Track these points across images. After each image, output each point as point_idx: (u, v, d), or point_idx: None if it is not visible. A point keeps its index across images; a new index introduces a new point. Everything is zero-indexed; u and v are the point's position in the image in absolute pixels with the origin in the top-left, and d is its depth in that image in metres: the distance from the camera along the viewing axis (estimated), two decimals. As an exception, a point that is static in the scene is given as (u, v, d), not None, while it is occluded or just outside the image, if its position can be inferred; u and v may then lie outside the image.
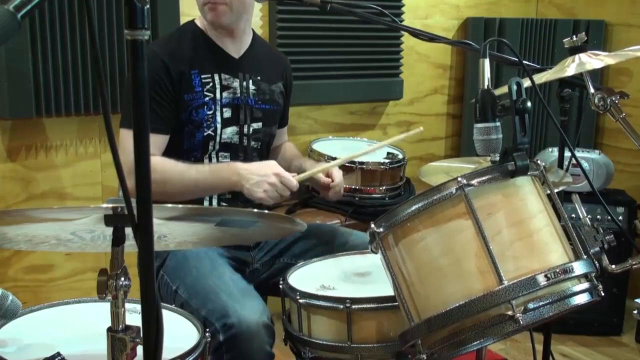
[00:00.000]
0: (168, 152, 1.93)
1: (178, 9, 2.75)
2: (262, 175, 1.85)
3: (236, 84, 2.03)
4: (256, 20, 3.07)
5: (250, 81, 2.06)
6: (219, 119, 1.99)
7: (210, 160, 2.01)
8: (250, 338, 1.64)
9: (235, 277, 1.83)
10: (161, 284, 1.91)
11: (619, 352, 3.08)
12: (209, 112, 1.97)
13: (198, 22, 2.05)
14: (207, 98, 1.97)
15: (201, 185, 1.90)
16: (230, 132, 2.02)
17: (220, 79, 2.00)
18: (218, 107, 1.99)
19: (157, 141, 1.92)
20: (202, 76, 1.97)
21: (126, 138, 1.89)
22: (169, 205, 1.15)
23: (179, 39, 2.01)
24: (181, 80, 1.93)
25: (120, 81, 2.65)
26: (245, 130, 2.05)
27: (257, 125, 2.08)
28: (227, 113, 2.01)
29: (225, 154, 2.02)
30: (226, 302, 1.69)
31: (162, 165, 1.87)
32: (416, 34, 1.74)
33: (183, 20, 2.72)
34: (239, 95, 2.03)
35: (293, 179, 1.89)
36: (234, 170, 1.89)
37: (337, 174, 2.04)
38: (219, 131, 1.99)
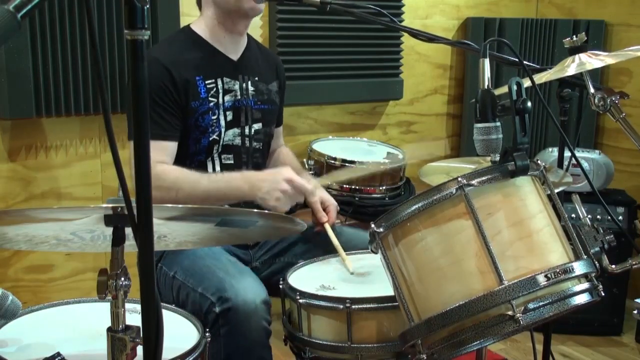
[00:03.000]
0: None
1: (178, 9, 2.75)
2: (273, 183, 1.85)
3: (237, 86, 2.02)
4: (256, 20, 3.07)
5: (249, 82, 2.06)
6: (222, 122, 1.98)
7: (213, 162, 2.00)
8: (247, 312, 1.64)
9: (232, 259, 1.86)
10: (160, 276, 1.92)
11: (619, 352, 3.08)
12: (213, 117, 1.96)
13: (194, 28, 2.03)
14: (211, 103, 1.96)
15: (213, 195, 1.88)
16: (231, 134, 2.01)
17: (222, 82, 1.99)
18: (221, 111, 1.98)
19: (168, 148, 1.90)
20: (207, 82, 1.96)
21: None
22: (169, 205, 1.15)
23: (180, 45, 1.99)
24: (187, 88, 1.92)
25: (121, 81, 2.64)
26: (247, 131, 2.05)
27: (257, 126, 2.08)
28: (230, 116, 2.00)
29: (228, 155, 2.02)
30: (223, 278, 1.71)
31: (174, 174, 1.87)
32: (415, 34, 1.73)
33: (183, 20, 2.72)
34: (239, 97, 2.02)
35: (307, 184, 1.88)
36: (246, 179, 1.89)
37: (333, 212, 2.02)
38: (222, 135, 1.99)
